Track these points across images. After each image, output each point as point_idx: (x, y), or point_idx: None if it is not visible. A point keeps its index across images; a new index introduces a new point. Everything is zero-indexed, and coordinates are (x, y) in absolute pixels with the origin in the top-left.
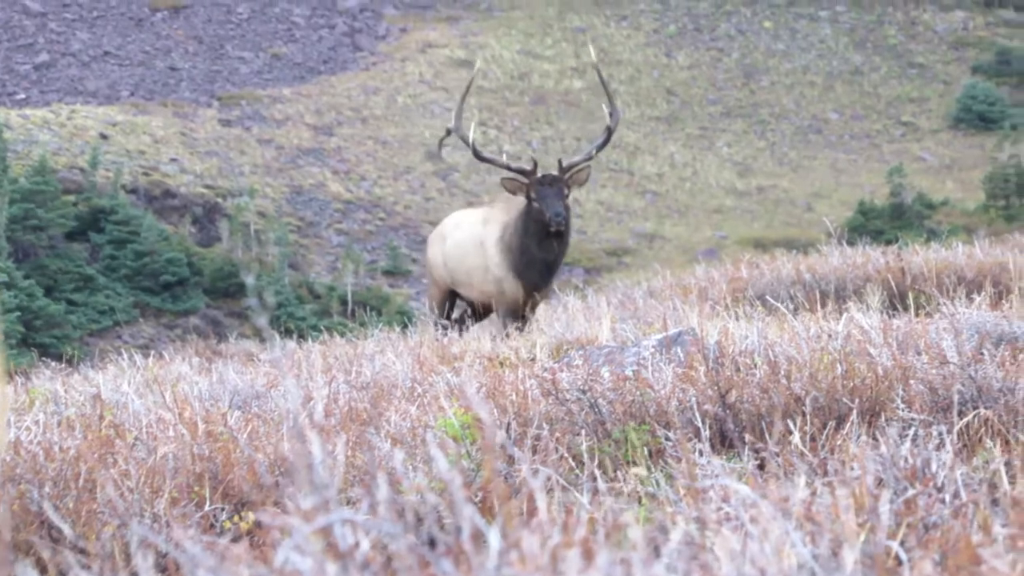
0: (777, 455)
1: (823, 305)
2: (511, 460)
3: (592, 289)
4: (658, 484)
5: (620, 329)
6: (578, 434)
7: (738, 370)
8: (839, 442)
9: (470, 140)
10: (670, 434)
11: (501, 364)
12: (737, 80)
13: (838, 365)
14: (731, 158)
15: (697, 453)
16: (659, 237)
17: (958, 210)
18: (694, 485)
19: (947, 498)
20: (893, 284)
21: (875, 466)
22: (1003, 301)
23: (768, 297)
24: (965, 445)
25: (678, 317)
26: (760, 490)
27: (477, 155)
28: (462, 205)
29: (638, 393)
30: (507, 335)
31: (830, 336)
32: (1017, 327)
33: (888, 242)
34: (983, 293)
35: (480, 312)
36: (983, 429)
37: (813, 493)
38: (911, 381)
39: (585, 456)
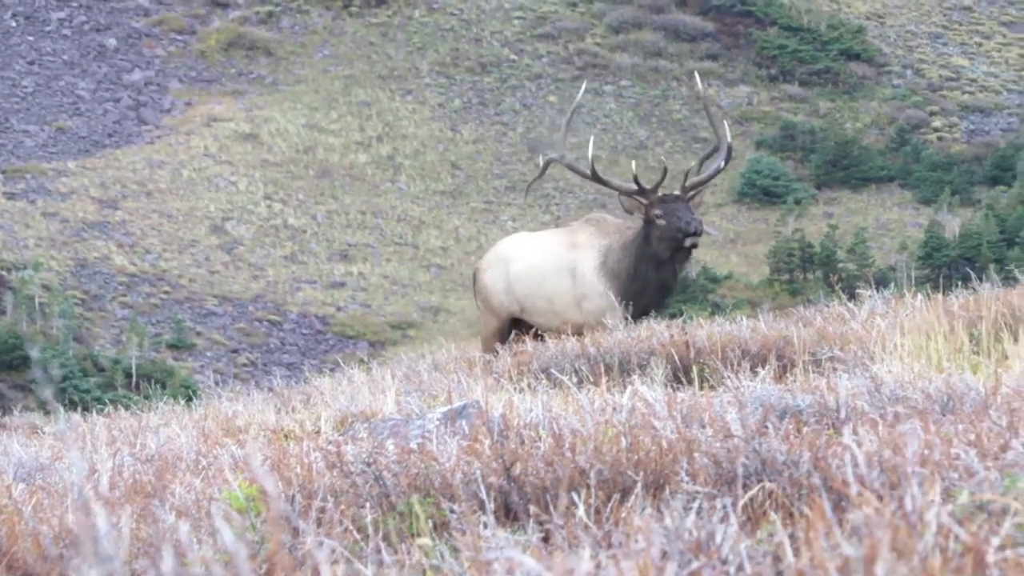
0: (562, 527)
1: (607, 378)
2: (296, 532)
3: (377, 362)
4: (443, 556)
5: (405, 402)
6: (363, 506)
7: (523, 443)
8: (624, 514)
9: (590, 159)
10: (455, 506)
11: (286, 437)
12: (522, 154)
13: (623, 438)
14: (516, 232)
15: (482, 525)
16: (444, 310)
17: (742, 284)
18: (479, 557)
19: (731, 571)
20: (677, 358)
21: (660, 538)
22: (787, 374)
23: (553, 370)
24: (749, 518)
25: (463, 390)
26: (545, 562)
27: (596, 177)
28: (247, 278)
29: (423, 466)
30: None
31: (615, 409)
32: (801, 400)
33: (672, 316)
34: (767, 366)
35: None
36: (767, 502)
37: (598, 565)
38: (696, 454)
39: (370, 528)
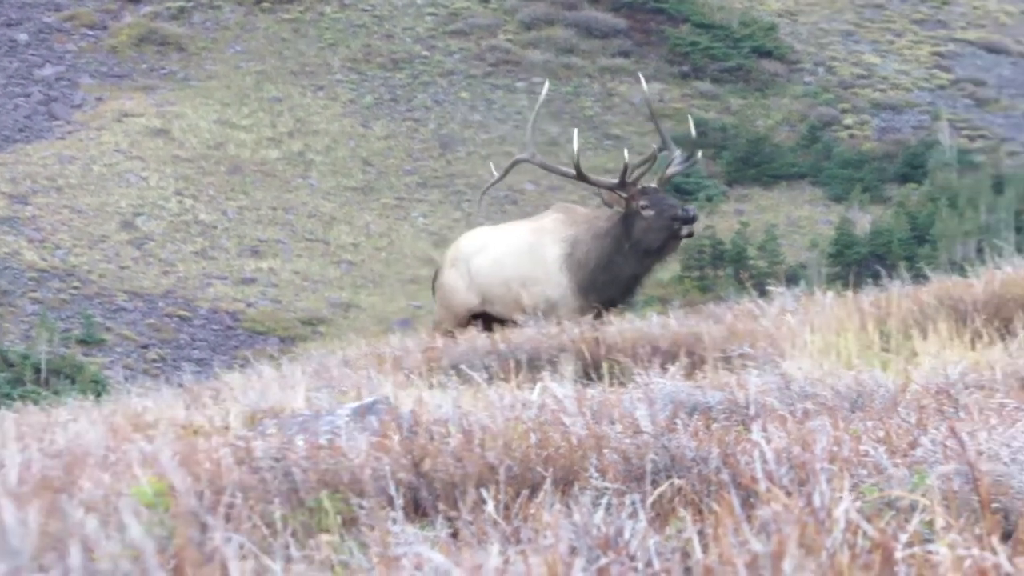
0: (471, 523)
1: (517, 375)
2: (204, 528)
3: (287, 358)
4: (352, 552)
5: (315, 398)
6: (272, 502)
7: (432, 439)
8: (532, 510)
9: (575, 157)
10: (364, 502)
11: (195, 432)
12: (433, 150)
13: (532, 434)
14: (427, 228)
15: (391, 521)
16: (354, 306)
17: (653, 280)
18: (387, 553)
19: (640, 567)
20: (587, 354)
21: (568, 534)
22: (697, 371)
23: (463, 366)
24: (658, 514)
25: (373, 386)
26: (453, 558)
27: (580, 175)
28: (157, 274)
29: (332, 461)
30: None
31: (524, 405)
32: (711, 397)
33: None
34: (677, 363)
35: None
36: (676, 498)
37: (506, 561)
38: (605, 450)
39: (279, 524)
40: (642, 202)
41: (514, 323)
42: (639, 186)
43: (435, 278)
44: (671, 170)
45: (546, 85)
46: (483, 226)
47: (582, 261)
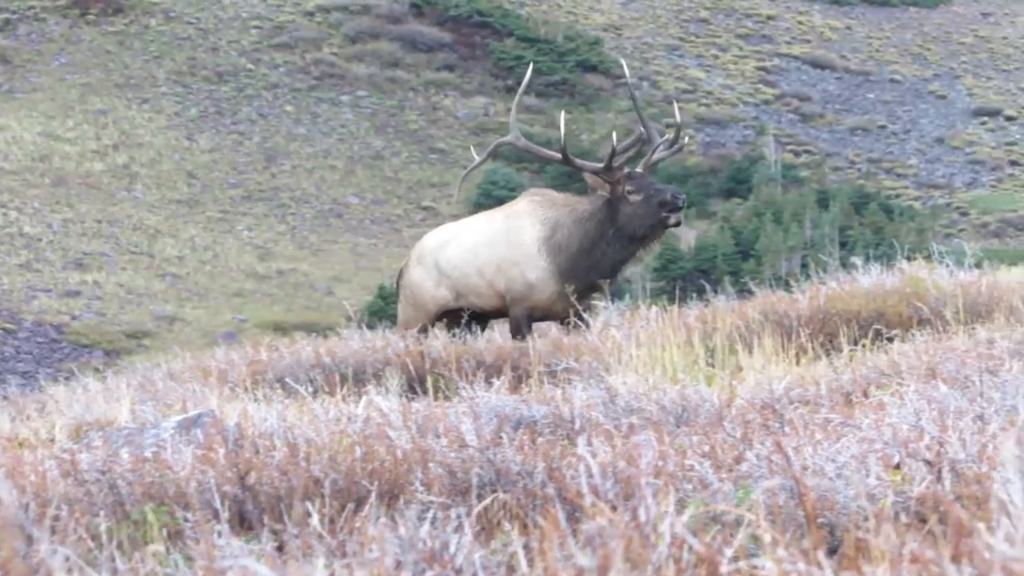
0: (296, 536)
1: (343, 388)
2: (30, 540)
3: (112, 371)
4: (177, 565)
5: (140, 411)
6: (97, 515)
7: (258, 452)
8: (358, 524)
9: (562, 140)
10: (189, 515)
11: (20, 445)
12: (258, 164)
13: (357, 448)
14: (252, 241)
15: (216, 534)
16: (180, 320)
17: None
18: (213, 566)
19: None
20: (412, 368)
21: (394, 548)
22: (522, 385)
23: (288, 380)
24: (484, 528)
25: (198, 399)
26: (279, 571)
27: (567, 159)
28: None
29: (157, 475)
30: (523, 337)
31: (349, 419)
32: (536, 411)
33: None
34: (503, 377)
35: (481, 319)
36: (502, 512)
37: (332, 574)
38: (430, 464)
39: (104, 536)
40: (628, 187)
41: (485, 318)
42: (625, 170)
43: (399, 279)
44: (657, 155)
45: (529, 69)
46: (446, 223)
47: (563, 244)
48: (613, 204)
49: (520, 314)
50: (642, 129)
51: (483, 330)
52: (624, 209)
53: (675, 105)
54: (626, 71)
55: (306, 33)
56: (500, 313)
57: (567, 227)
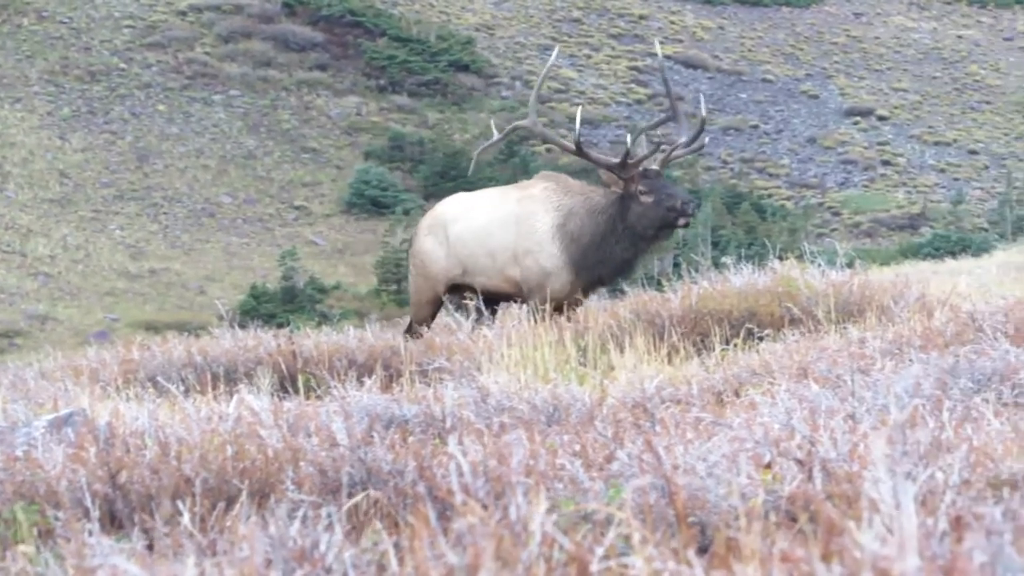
0: (167, 535)
1: (214, 387)
2: None
3: None
4: (47, 564)
5: (11, 410)
6: None
7: (129, 451)
8: (229, 522)
9: (577, 133)
10: (60, 514)
11: None
12: (130, 163)
13: (228, 446)
14: (124, 241)
15: (87, 533)
16: (52, 319)
17: (350, 294)
18: (83, 564)
19: None
20: (284, 367)
21: (264, 546)
22: (394, 384)
23: (160, 379)
24: (354, 527)
25: (69, 398)
26: (149, 570)
27: (580, 151)
28: None
29: (28, 473)
30: (543, 317)
31: (221, 418)
32: (407, 410)
33: (280, 325)
34: (374, 376)
35: (492, 302)
36: (372, 510)
37: (202, 573)
38: (301, 463)
39: None
40: (641, 187)
41: (496, 300)
42: (640, 168)
43: (409, 248)
44: (676, 153)
45: (555, 52)
46: (460, 193)
47: (575, 234)
48: (625, 201)
49: (539, 304)
50: (657, 134)
51: (494, 316)
52: (635, 208)
53: (701, 99)
54: (659, 50)
55: (179, 32)
56: (506, 297)
57: (580, 217)
